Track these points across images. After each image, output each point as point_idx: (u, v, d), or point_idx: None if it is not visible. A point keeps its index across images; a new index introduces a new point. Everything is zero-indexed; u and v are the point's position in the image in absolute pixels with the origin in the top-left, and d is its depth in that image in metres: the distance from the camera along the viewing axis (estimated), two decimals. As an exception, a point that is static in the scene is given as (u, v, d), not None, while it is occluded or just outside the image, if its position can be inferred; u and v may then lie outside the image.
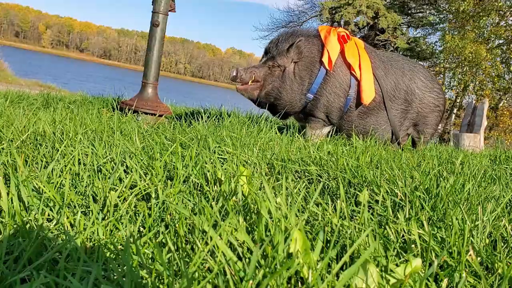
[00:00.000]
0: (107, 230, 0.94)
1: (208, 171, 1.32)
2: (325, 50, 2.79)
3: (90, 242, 0.89)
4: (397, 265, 0.86)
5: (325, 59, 2.77)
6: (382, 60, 2.99)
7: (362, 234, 0.95)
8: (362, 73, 2.82)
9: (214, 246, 0.83)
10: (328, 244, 0.95)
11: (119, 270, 0.72)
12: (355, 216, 1.18)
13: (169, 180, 1.27)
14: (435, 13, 17.86)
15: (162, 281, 0.72)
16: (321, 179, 1.44)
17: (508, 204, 1.38)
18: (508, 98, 14.32)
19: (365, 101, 2.83)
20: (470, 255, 0.87)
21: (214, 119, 2.69)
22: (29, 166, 1.31)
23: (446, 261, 0.92)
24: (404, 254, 0.93)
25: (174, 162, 1.35)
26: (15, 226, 0.86)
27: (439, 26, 17.56)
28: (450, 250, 0.94)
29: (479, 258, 0.92)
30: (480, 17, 13.03)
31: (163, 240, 0.92)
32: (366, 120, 2.94)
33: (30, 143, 1.55)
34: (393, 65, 3.00)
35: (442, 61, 15.03)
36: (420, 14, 18.40)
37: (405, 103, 2.99)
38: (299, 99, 2.82)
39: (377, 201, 1.28)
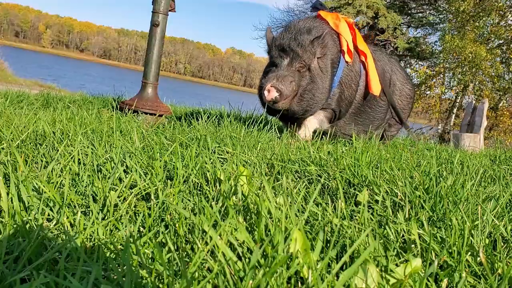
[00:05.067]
0: (107, 230, 0.94)
1: (208, 171, 1.32)
2: (343, 39, 2.56)
3: (90, 242, 0.89)
4: (397, 265, 0.86)
5: (345, 50, 2.56)
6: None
7: (362, 234, 0.95)
8: (368, 61, 2.68)
9: (214, 246, 0.83)
10: (328, 244, 0.95)
11: (119, 270, 0.72)
12: (355, 216, 1.18)
13: (169, 180, 1.27)
14: (435, 13, 17.85)
15: (162, 281, 0.72)
16: (321, 179, 1.44)
17: (508, 204, 1.38)
18: (508, 98, 14.30)
19: (375, 92, 2.64)
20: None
21: (214, 119, 2.69)
22: (29, 166, 1.31)
23: (446, 261, 0.92)
24: (404, 254, 0.93)
25: (174, 162, 1.35)
26: (15, 226, 0.86)
27: (439, 26, 17.55)
28: (450, 250, 0.94)
29: (478, 258, 0.92)
30: (480, 17, 13.02)
31: (163, 240, 0.92)
32: (364, 112, 2.84)
33: (30, 143, 1.55)
34: (377, 56, 2.90)
35: (442, 61, 15.00)
36: (420, 14, 18.40)
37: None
38: (327, 96, 2.53)
39: (377, 201, 1.28)
